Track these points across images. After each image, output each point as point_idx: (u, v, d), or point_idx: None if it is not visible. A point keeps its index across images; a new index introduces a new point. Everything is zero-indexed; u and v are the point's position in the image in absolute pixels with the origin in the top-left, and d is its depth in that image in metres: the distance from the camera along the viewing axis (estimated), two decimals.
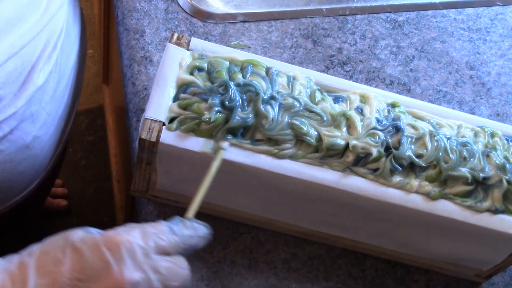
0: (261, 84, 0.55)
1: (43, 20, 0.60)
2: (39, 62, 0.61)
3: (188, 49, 0.58)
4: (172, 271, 0.43)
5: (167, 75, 0.55)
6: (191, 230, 0.46)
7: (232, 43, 0.74)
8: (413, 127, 0.56)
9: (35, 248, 0.43)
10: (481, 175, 0.55)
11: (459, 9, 0.86)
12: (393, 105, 0.58)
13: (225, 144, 0.51)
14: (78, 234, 0.42)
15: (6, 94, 0.57)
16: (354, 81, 0.69)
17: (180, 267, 0.44)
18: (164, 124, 0.52)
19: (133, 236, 0.42)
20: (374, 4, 0.84)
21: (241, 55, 0.58)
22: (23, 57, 0.58)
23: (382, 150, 0.54)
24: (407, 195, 0.54)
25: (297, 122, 0.54)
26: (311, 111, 0.55)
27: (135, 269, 0.41)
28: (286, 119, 0.54)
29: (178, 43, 0.58)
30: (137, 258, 0.41)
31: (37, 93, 0.61)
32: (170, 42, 0.57)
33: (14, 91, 0.58)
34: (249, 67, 0.57)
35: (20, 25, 0.56)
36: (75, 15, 0.71)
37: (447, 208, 0.54)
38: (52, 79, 0.64)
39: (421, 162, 0.54)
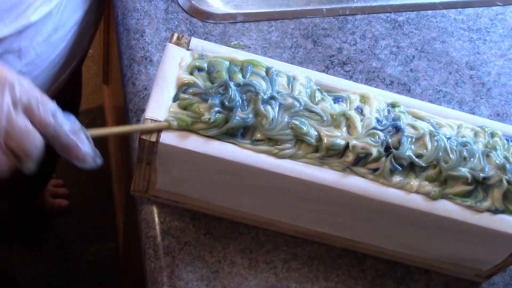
0: (261, 84, 0.55)
1: None
2: (37, 0, 0.60)
3: (188, 49, 0.58)
4: (24, 134, 0.42)
5: (167, 75, 0.55)
6: (74, 134, 0.45)
7: (232, 43, 0.74)
8: (413, 127, 0.56)
9: None
10: (481, 175, 0.55)
11: (459, 9, 0.86)
12: (393, 105, 0.58)
13: (175, 123, 0.51)
14: None
15: None
16: (354, 81, 0.69)
17: (34, 137, 0.42)
18: None
19: (16, 81, 0.41)
20: (374, 4, 0.84)
21: (241, 55, 0.58)
22: None
23: (382, 150, 0.54)
24: (407, 195, 0.54)
25: (297, 122, 0.54)
26: (311, 111, 0.55)
27: None
28: (286, 119, 0.54)
29: (178, 43, 0.58)
30: (2, 95, 0.41)
31: (29, 29, 0.60)
32: (170, 42, 0.58)
33: (4, 19, 0.58)
34: (249, 67, 0.57)
35: None
36: None
37: (447, 208, 0.54)
38: (49, 22, 0.63)
39: (421, 162, 0.54)
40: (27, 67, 0.64)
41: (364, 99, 0.58)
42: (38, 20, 0.61)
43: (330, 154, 0.54)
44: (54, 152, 0.74)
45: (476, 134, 0.58)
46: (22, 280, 1.28)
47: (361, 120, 0.55)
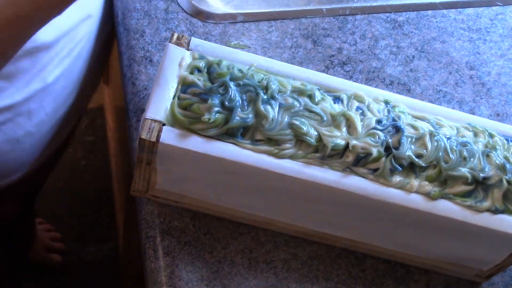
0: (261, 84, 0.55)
1: (63, 28, 0.59)
2: (50, 64, 0.60)
3: (188, 49, 0.58)
4: None
5: (167, 75, 0.55)
6: None
7: (232, 43, 0.74)
8: (413, 127, 0.56)
9: None
10: (481, 175, 0.55)
11: (459, 9, 0.86)
12: (393, 105, 0.58)
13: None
14: None
15: (8, 86, 0.57)
16: (354, 81, 0.69)
17: None
18: (164, 124, 0.52)
19: None
20: (374, 4, 0.84)
21: (241, 55, 0.58)
22: (35, 55, 0.57)
23: (382, 150, 0.54)
24: (407, 195, 0.54)
25: (297, 122, 0.54)
26: (311, 111, 0.55)
27: None
28: (286, 119, 0.54)
29: (178, 43, 0.58)
30: None
31: (40, 92, 0.61)
32: (170, 42, 0.57)
33: (17, 85, 0.58)
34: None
35: None
36: (102, 26, 0.71)
37: (447, 208, 0.54)
38: (59, 82, 0.63)
39: (421, 162, 0.54)
40: (36, 127, 0.63)
41: (363, 99, 0.58)
42: (51, 82, 0.61)
43: (330, 154, 0.54)
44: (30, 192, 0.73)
45: (476, 134, 0.58)
46: (22, 279, 1.28)
47: (361, 120, 0.55)
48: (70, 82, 0.66)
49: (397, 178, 0.54)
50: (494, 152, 0.56)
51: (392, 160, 0.54)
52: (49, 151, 0.72)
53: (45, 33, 0.57)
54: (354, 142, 0.54)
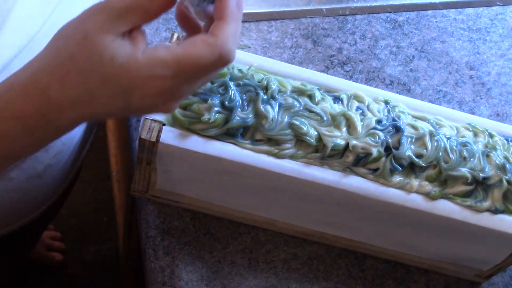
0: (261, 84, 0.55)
1: None
2: None
3: None
4: None
5: None
6: None
7: None
8: (413, 127, 0.56)
9: None
10: (481, 175, 0.55)
11: (459, 9, 0.86)
12: (393, 105, 0.58)
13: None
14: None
15: None
16: (354, 81, 0.69)
17: None
18: (164, 124, 0.52)
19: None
20: (374, 4, 0.84)
21: (241, 55, 0.58)
22: None
23: (382, 150, 0.54)
24: (407, 195, 0.54)
25: (297, 122, 0.54)
26: (311, 111, 0.55)
27: None
28: (286, 119, 0.54)
29: (178, 43, 0.57)
30: None
31: None
32: (170, 42, 0.57)
33: None
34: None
35: None
36: None
37: (447, 208, 0.54)
38: None
39: (421, 162, 0.54)
40: (54, 158, 0.62)
41: (363, 99, 0.58)
42: None
43: (330, 154, 0.54)
44: (53, 208, 0.73)
45: (476, 134, 0.58)
46: (22, 279, 1.28)
47: (361, 120, 0.55)
48: None
49: (397, 178, 0.54)
50: (494, 152, 0.56)
51: (392, 160, 0.54)
52: (69, 179, 0.71)
53: None
54: (354, 142, 0.54)
